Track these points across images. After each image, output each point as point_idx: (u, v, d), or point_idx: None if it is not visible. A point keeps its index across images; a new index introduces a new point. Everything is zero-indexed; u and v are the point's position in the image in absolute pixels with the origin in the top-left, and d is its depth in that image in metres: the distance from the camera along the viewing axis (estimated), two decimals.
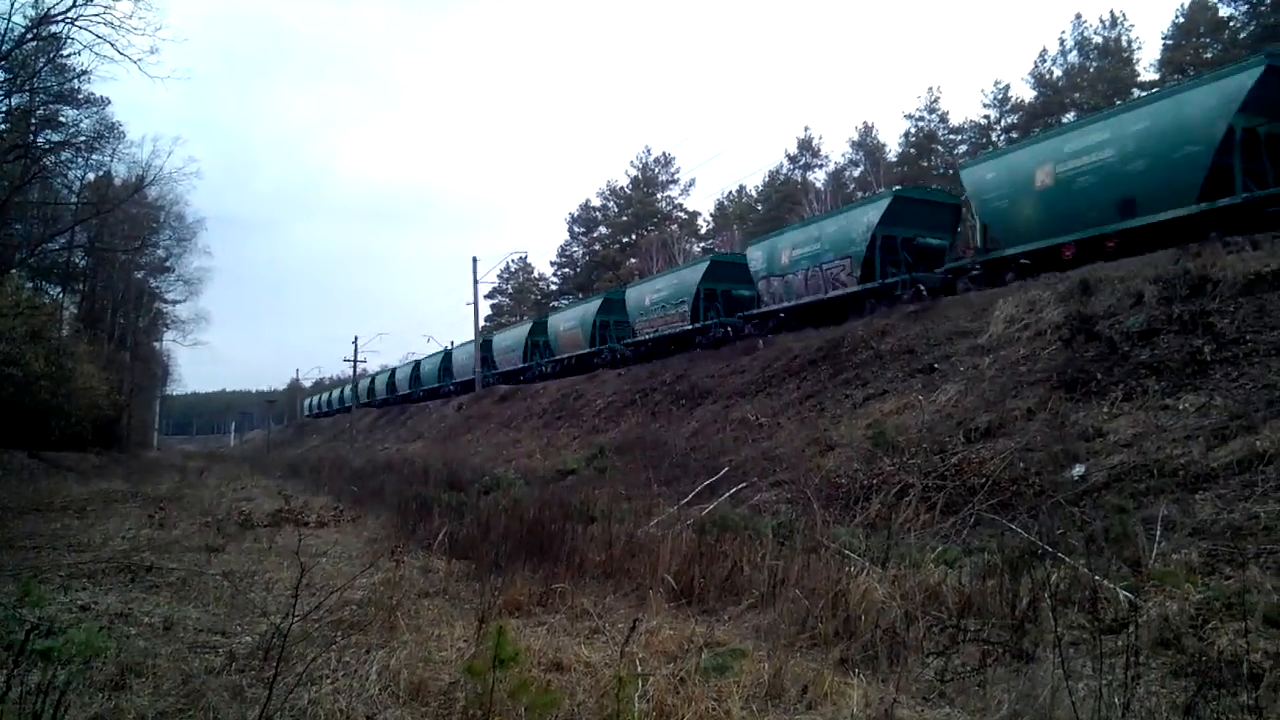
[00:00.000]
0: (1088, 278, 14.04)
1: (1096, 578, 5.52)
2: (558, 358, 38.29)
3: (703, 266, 29.49)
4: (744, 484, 12.25)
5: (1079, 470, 9.10)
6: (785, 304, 24.75)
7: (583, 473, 17.82)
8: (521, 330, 44.57)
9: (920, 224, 22.17)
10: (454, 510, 11.79)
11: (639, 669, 4.70)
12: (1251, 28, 40.79)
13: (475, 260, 45.55)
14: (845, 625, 5.53)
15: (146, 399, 60.93)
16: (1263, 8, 39.66)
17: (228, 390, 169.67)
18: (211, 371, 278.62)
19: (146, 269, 51.28)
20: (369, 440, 48.40)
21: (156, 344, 62.51)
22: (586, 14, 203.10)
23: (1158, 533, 6.77)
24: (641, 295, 32.56)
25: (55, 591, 7.04)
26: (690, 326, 28.86)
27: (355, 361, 59.06)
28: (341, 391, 69.01)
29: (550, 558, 7.96)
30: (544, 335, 40.69)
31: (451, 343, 54.25)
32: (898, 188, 27.22)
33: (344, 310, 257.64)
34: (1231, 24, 43.90)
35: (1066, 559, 6.24)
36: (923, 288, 20.30)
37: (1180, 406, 9.52)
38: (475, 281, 45.45)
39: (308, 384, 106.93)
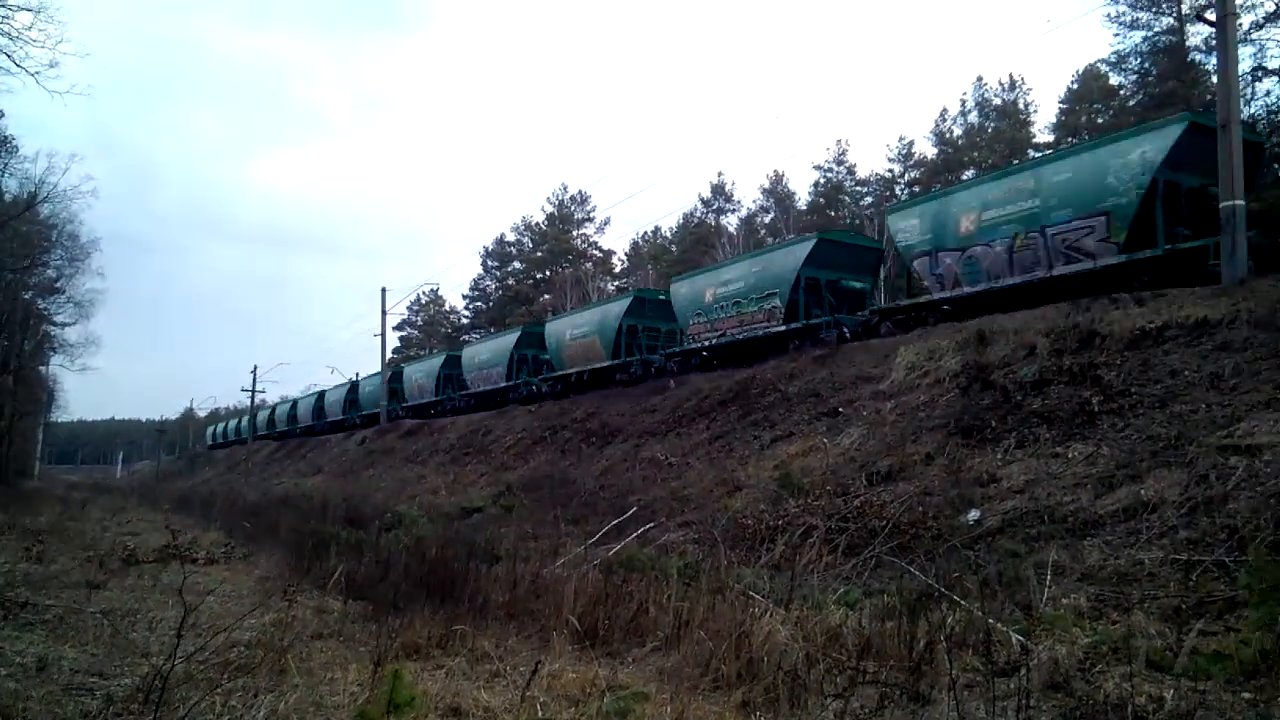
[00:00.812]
0: (984, 329, 14.58)
1: (990, 621, 5.66)
2: (561, 374, 31.04)
3: (804, 248, 22.04)
4: (652, 524, 12.25)
5: (974, 515, 9.36)
6: (966, 289, 17.96)
7: (489, 510, 17.57)
8: (503, 342, 36.48)
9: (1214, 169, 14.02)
10: (352, 548, 11.46)
11: (540, 714, 4.61)
12: (1139, 96, 43.37)
13: (384, 291, 45.02)
14: (748, 667, 5.54)
15: (29, 425, 57.74)
16: (1149, 78, 42.24)
17: (117, 418, 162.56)
18: (100, 398, 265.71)
19: (35, 289, 48.69)
20: (265, 474, 46.78)
21: (42, 368, 59.35)
22: (505, 50, 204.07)
23: (1048, 577, 7.00)
24: (699, 290, 25.39)
25: None
26: (784, 327, 21.66)
27: (254, 391, 57.27)
28: (253, 418, 65.96)
29: (452, 598, 7.81)
30: (534, 349, 33.79)
31: (362, 370, 52.93)
32: (1192, 113, 16.93)
33: (244, 338, 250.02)
34: (1121, 92, 46.63)
35: (962, 602, 6.39)
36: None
37: (1070, 455, 9.90)
38: (384, 312, 44.80)
39: (202, 414, 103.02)
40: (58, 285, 49.12)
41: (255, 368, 58.00)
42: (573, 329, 30.82)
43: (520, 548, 10.72)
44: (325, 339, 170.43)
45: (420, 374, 43.31)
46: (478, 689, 5.39)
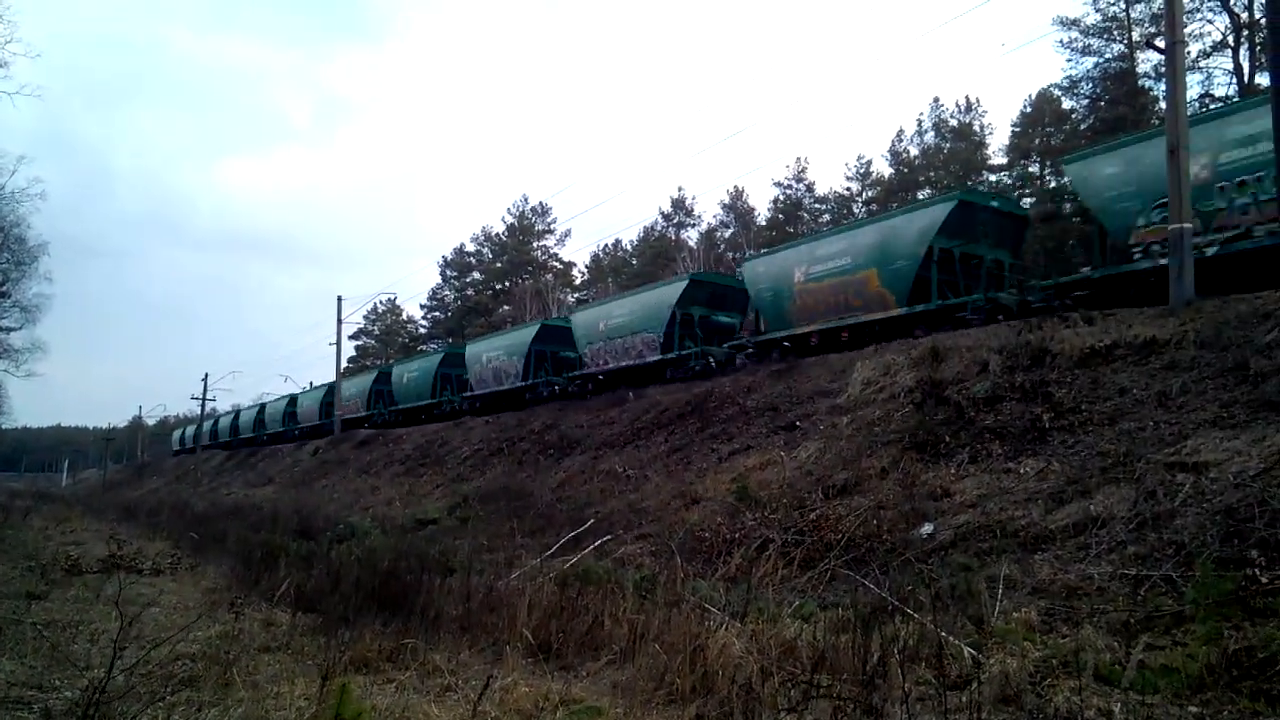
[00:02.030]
0: (938, 345, 14.76)
1: (942, 634, 5.69)
2: (786, 335, 21.48)
3: None
4: (609, 536, 12.19)
5: (928, 529, 9.44)
6: None
7: (444, 522, 17.38)
8: (659, 295, 26.02)
9: None
10: (302, 560, 11.27)
11: None
12: (1090, 120, 44.43)
13: (340, 299, 44.48)
14: (703, 681, 5.51)
15: None
16: (1100, 103, 43.32)
17: (63, 425, 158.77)
18: (45, 405, 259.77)
19: None
20: (215, 483, 45.91)
21: None
22: (469, 62, 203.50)
23: (1000, 591, 7.06)
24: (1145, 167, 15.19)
25: None
26: None
27: (204, 400, 56.22)
28: (235, 418, 61.28)
29: (404, 611, 7.70)
30: (703, 306, 24.91)
31: (316, 379, 51.98)
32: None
33: (196, 346, 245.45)
34: (1073, 116, 47.71)
35: (915, 615, 6.42)
36: None
37: (1021, 470, 10.03)
38: (340, 321, 44.34)
39: (151, 422, 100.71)
40: (3, 289, 47.96)
41: (206, 375, 56.86)
42: (812, 266, 20.75)
43: (475, 560, 10.61)
44: (279, 347, 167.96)
45: (497, 353, 33.25)
46: (428, 703, 5.31)
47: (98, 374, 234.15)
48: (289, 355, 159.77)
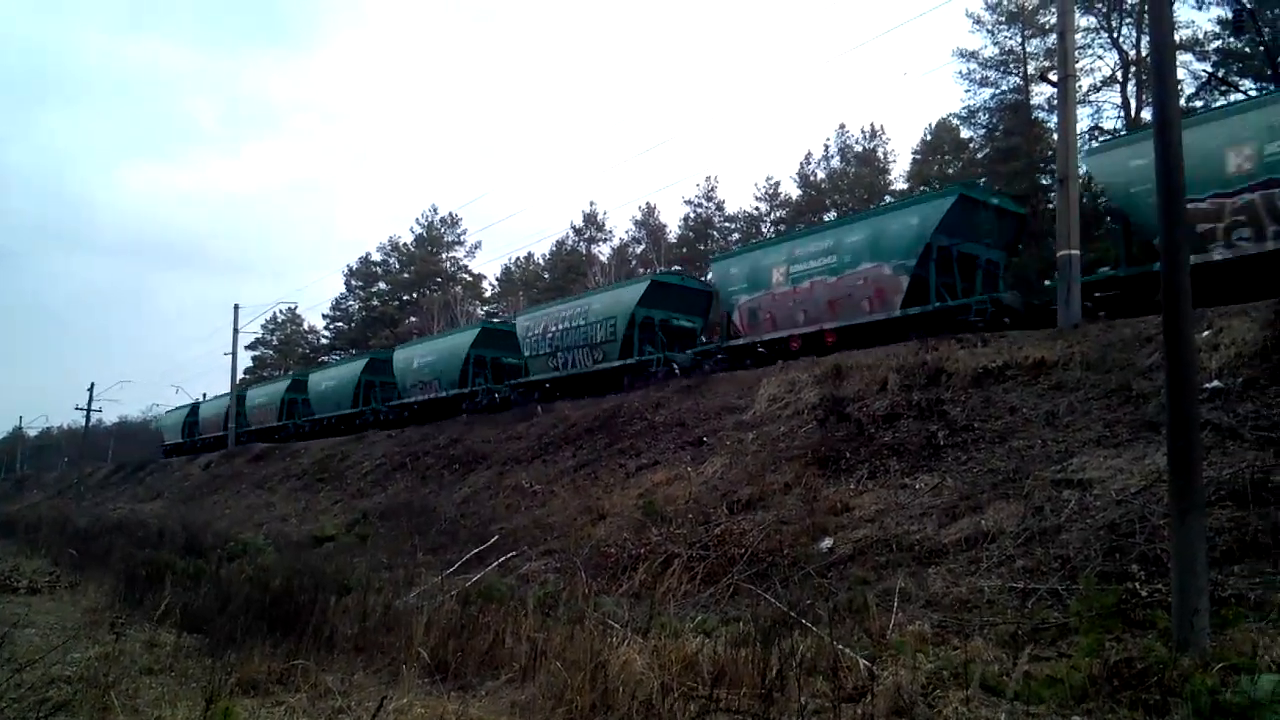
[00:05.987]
0: (840, 363, 15.09)
1: (839, 647, 5.78)
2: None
3: None
4: (514, 552, 12.07)
5: (827, 543, 9.60)
6: None
7: (342, 539, 16.94)
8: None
9: None
10: (190, 578, 10.82)
11: None
12: (987, 150, 46.24)
13: (237, 308, 43.18)
14: (603, 698, 5.47)
15: None
16: (996, 133, 45.15)
17: None
18: None
19: None
20: (99, 498, 43.79)
21: None
22: (382, 70, 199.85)
23: (895, 604, 7.22)
24: None
25: None
26: None
27: (89, 410, 53.67)
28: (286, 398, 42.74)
29: (296, 631, 7.45)
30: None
31: (210, 390, 49.92)
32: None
33: (84, 354, 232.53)
34: (971, 145, 49.57)
35: (813, 628, 6.52)
36: None
37: (917, 486, 10.30)
38: (236, 330, 42.96)
39: (33, 433, 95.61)
40: None
41: (92, 385, 54.24)
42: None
43: (373, 578, 10.36)
44: (169, 356, 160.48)
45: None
46: None
47: None
48: (182, 365, 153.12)
